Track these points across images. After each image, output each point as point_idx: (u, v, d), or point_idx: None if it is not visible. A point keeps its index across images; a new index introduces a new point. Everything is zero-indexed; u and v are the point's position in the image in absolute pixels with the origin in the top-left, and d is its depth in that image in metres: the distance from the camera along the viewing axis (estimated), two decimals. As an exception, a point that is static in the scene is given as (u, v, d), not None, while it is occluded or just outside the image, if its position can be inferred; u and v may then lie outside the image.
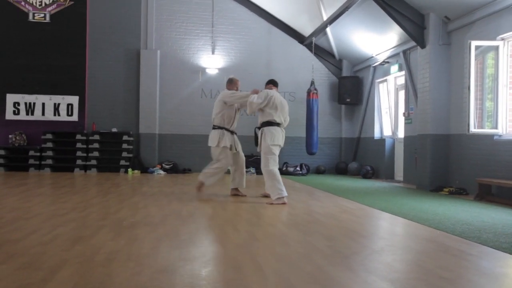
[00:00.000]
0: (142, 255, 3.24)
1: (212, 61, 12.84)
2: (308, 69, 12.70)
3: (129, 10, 12.51)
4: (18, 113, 12.14)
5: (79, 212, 5.11)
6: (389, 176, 11.03)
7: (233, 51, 12.97)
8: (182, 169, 12.37)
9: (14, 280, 2.57)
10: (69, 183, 8.86)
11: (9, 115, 12.10)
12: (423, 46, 8.82)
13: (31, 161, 11.76)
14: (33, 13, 12.26)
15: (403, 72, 10.34)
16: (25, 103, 12.17)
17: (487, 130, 7.58)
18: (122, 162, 12.02)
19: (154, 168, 12.03)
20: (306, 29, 12.58)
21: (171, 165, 12.19)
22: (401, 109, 10.66)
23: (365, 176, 11.44)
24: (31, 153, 11.78)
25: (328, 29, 11.74)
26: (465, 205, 6.40)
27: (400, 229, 4.86)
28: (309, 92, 12.17)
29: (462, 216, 5.35)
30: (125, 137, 12.07)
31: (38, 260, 3.01)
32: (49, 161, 11.80)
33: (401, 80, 10.72)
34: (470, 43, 7.46)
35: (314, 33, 12.02)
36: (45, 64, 12.24)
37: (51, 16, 12.32)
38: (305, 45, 13.04)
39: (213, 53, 12.88)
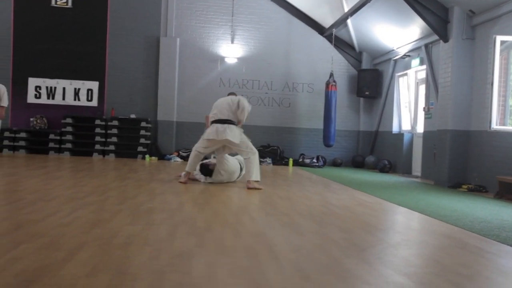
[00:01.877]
0: (159, 240, 3.28)
1: (231, 50, 12.82)
2: (328, 61, 12.60)
3: (150, -3, 12.54)
4: (40, 97, 12.33)
5: (98, 195, 5.19)
6: (407, 171, 10.93)
7: (252, 41, 12.93)
8: (198, 157, 12.40)
9: (35, 259, 2.63)
10: (88, 167, 8.99)
11: (31, 99, 12.30)
12: (446, 40, 8.66)
13: (51, 145, 11.96)
14: (56, -2, 12.38)
15: (424, 66, 10.19)
16: (46, 87, 12.35)
17: (509, 128, 7.44)
18: (140, 148, 12.14)
19: (171, 155, 12.12)
20: (327, 20, 12.46)
21: (188, 153, 12.22)
22: (421, 103, 10.52)
23: (382, 170, 11.35)
24: (51, 136, 11.97)
25: (349, 21, 11.61)
26: (484, 203, 6.31)
27: (416, 224, 4.82)
28: (327, 84, 12.09)
29: (481, 214, 5.28)
30: (143, 124, 12.17)
31: (58, 241, 3.07)
32: (69, 145, 11.99)
33: (422, 74, 10.56)
34: (495, 38, 7.31)
35: (335, 25, 11.89)
36: (67, 49, 12.38)
37: (73, 1, 12.42)
38: (325, 37, 12.92)
39: (232, 42, 12.85)
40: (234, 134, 6.71)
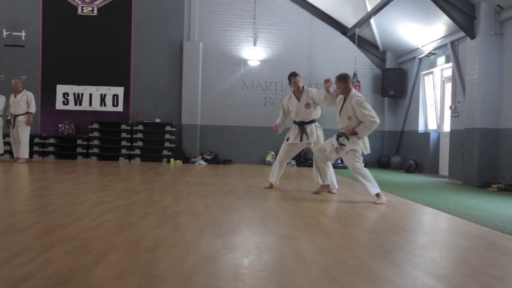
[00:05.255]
0: (186, 242, 3.31)
1: (253, 53, 12.85)
2: (351, 61, 12.49)
3: (173, 3, 12.70)
4: (67, 103, 12.63)
5: (125, 199, 5.27)
6: (434, 170, 10.73)
7: (275, 43, 12.94)
8: (223, 160, 12.50)
9: (67, 262, 2.69)
10: (115, 171, 9.14)
11: (59, 105, 12.60)
12: (472, 36, 8.47)
13: (79, 150, 12.23)
14: (82, 7, 12.66)
15: (450, 64, 9.99)
16: (74, 94, 12.64)
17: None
18: (165, 152, 12.28)
19: (196, 159, 12.22)
20: (350, 20, 12.36)
21: (212, 156, 12.35)
22: (448, 102, 10.32)
23: (408, 170, 11.18)
24: (79, 141, 12.24)
25: (372, 20, 11.49)
26: (515, 203, 6.14)
27: (445, 224, 4.73)
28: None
29: (512, 214, 5.13)
30: (167, 128, 12.32)
31: (88, 244, 3.14)
32: (96, 150, 12.22)
33: (448, 72, 10.36)
34: (524, 33, 7.12)
35: (358, 24, 11.79)
36: (93, 56, 12.65)
37: (99, 9, 12.68)
38: (348, 37, 12.82)
39: (255, 44, 12.89)
40: (313, 134, 6.55)
